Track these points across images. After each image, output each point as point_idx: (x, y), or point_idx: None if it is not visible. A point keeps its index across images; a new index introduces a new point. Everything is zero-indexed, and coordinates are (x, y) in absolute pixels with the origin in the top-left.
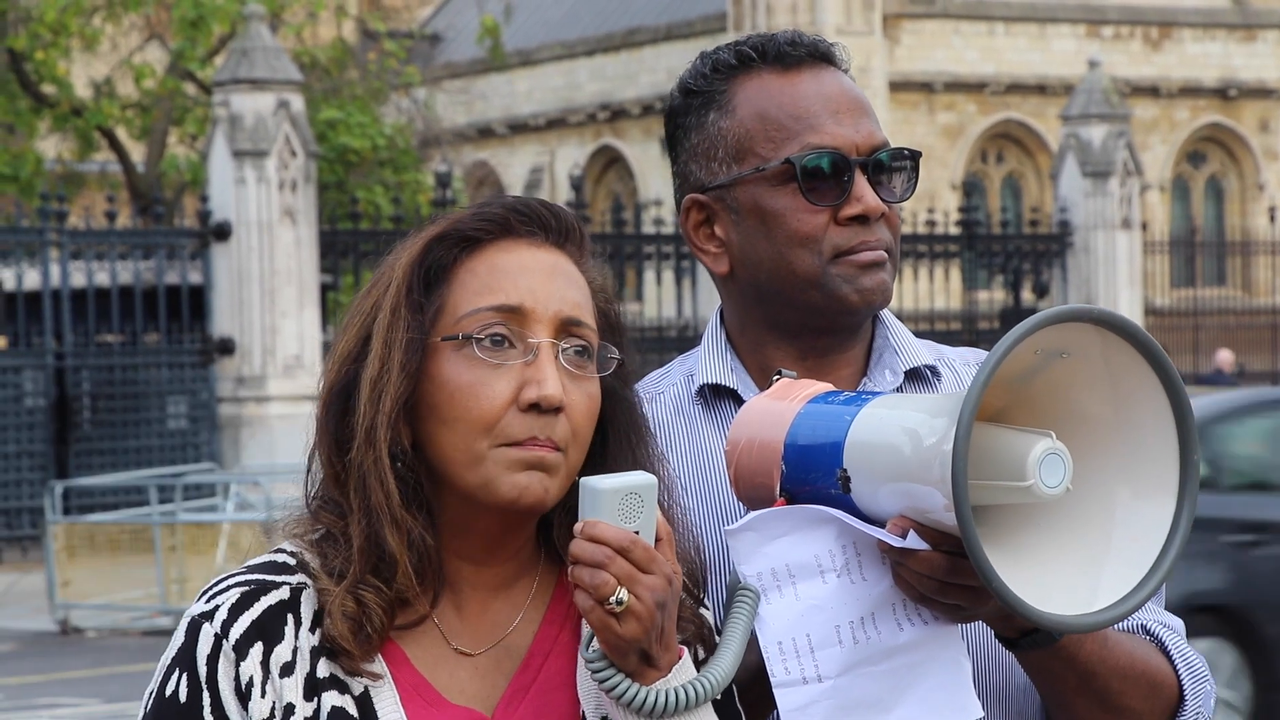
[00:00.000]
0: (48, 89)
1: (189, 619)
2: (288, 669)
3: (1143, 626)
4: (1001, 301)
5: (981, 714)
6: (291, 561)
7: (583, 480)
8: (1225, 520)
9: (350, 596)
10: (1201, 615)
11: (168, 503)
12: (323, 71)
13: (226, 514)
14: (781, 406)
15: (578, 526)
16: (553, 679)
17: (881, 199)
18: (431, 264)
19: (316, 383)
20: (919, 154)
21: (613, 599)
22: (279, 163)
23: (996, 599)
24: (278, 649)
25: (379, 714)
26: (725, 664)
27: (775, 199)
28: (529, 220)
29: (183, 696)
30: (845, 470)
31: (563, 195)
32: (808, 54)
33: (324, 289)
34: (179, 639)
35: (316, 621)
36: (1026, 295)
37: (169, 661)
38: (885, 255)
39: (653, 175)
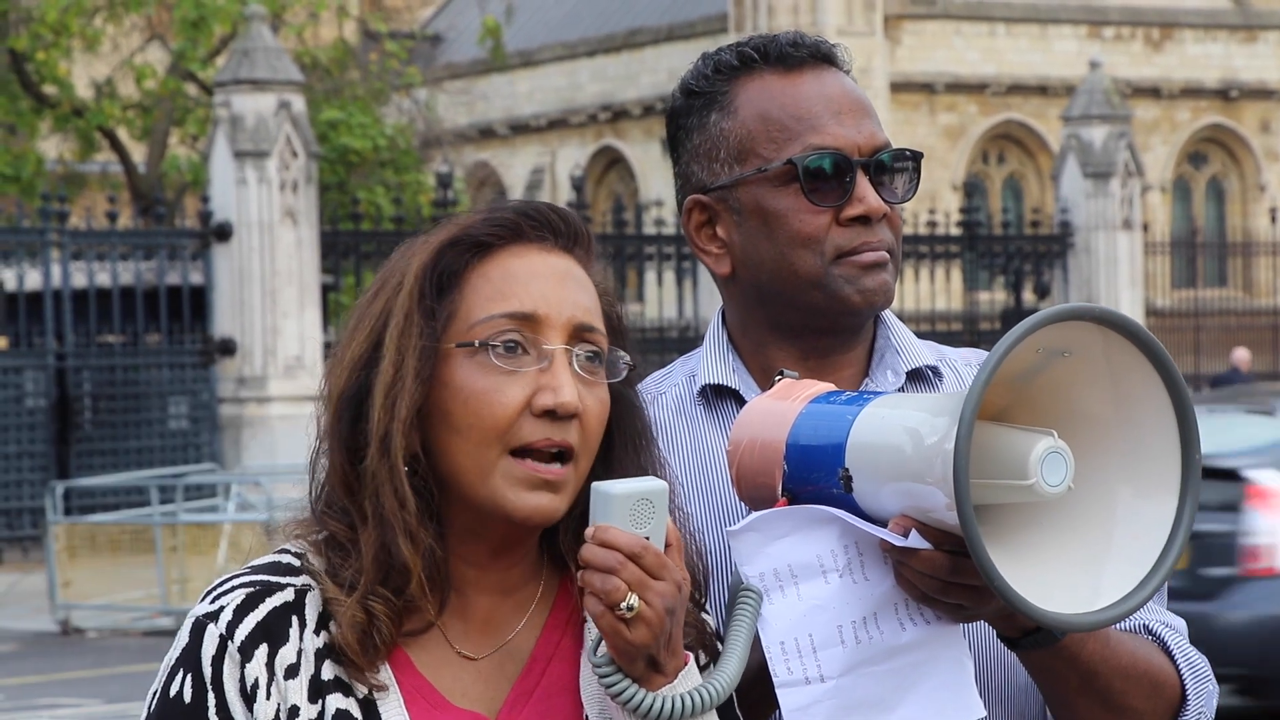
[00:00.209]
0: (49, 89)
1: (193, 619)
2: (292, 671)
3: (1145, 626)
4: (1003, 302)
5: (984, 714)
6: (296, 563)
7: (594, 485)
8: None
9: (359, 607)
10: None
11: (169, 503)
12: (324, 72)
13: (228, 514)
14: (783, 406)
15: (589, 531)
16: (556, 683)
17: (883, 200)
18: (444, 270)
19: (319, 386)
20: (921, 155)
21: (623, 605)
22: (280, 163)
23: (998, 598)
24: (283, 651)
25: (383, 718)
26: (730, 669)
27: (777, 199)
28: (540, 225)
29: (187, 697)
30: (847, 470)
31: (564, 196)
32: (809, 55)
33: (325, 290)
34: (183, 639)
35: (321, 623)
36: (1028, 296)
37: (173, 662)
38: (887, 256)
39: (654, 176)
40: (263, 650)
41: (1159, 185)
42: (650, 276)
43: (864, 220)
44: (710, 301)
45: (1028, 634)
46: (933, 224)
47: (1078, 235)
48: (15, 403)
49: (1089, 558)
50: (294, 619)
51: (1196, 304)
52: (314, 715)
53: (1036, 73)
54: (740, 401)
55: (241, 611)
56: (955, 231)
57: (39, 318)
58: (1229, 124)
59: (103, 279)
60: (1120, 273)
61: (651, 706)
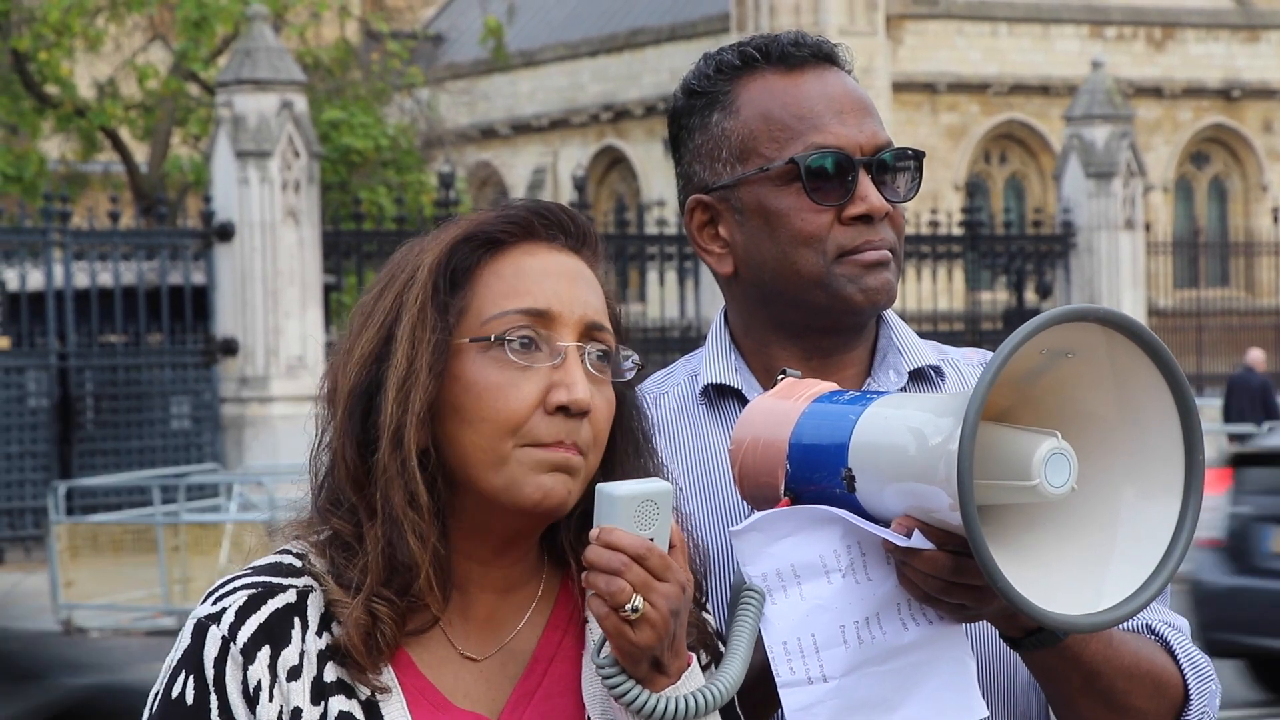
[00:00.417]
0: (51, 89)
1: (195, 621)
2: (295, 673)
3: (1148, 626)
4: (1005, 302)
5: (986, 714)
6: (297, 563)
7: (599, 486)
8: None
9: (364, 609)
10: None
11: (171, 503)
12: (326, 72)
13: (229, 514)
14: (786, 406)
15: (593, 533)
16: (557, 684)
17: (885, 199)
18: (456, 265)
19: (320, 384)
20: (923, 154)
21: (628, 606)
22: (282, 163)
23: (1001, 598)
24: (285, 653)
25: (385, 719)
26: (734, 670)
27: (779, 199)
28: (550, 223)
29: (189, 699)
30: (850, 470)
31: (566, 196)
32: (811, 54)
33: (327, 290)
34: (185, 641)
35: (323, 625)
36: (1030, 296)
37: (175, 663)
38: (889, 255)
39: (656, 176)
40: (265, 652)
41: (1161, 185)
42: (652, 276)
43: (866, 219)
44: (712, 301)
45: (1030, 634)
46: (935, 224)
47: (1080, 235)
48: (17, 402)
49: (1092, 559)
50: (296, 620)
51: (1199, 304)
52: (316, 717)
53: (1039, 72)
54: (743, 401)
55: (244, 613)
56: (957, 231)
57: (41, 318)
58: (1231, 124)
59: (105, 279)
60: (1122, 273)
61: (656, 708)
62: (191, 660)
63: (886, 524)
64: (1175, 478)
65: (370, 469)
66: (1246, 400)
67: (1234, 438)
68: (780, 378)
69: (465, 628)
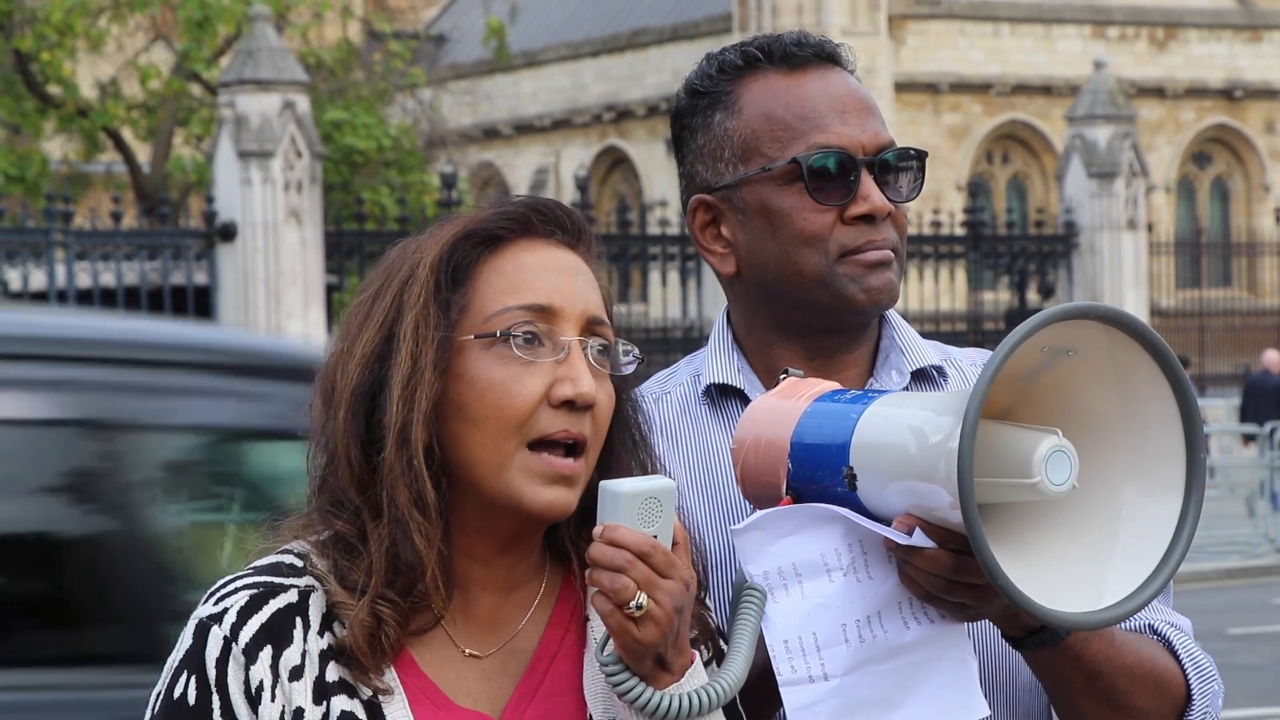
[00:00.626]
0: (53, 90)
1: (197, 621)
2: (297, 673)
3: (1150, 626)
4: (1007, 302)
5: (987, 713)
6: (299, 563)
7: (602, 484)
8: None
9: (368, 610)
10: None
11: None
12: (328, 72)
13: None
14: (788, 405)
15: (597, 530)
16: (559, 682)
17: (888, 198)
18: (456, 262)
19: (317, 385)
20: (925, 154)
21: (632, 604)
22: (284, 163)
23: (1003, 597)
24: (287, 653)
25: (388, 718)
26: (737, 668)
27: (782, 199)
28: (548, 220)
29: (191, 699)
30: (851, 468)
31: (568, 196)
32: (813, 54)
33: (329, 290)
34: (186, 641)
35: (325, 625)
36: (1032, 296)
37: (176, 663)
38: (892, 255)
39: (658, 176)
40: (267, 652)
41: (1163, 185)
42: (654, 276)
43: (868, 219)
44: (715, 301)
45: (1032, 633)
46: (937, 224)
47: (1082, 235)
48: None
49: (1093, 556)
50: (298, 620)
51: (1201, 304)
52: (319, 717)
53: (1041, 73)
54: (745, 400)
55: (245, 613)
56: (959, 232)
57: None
58: (1233, 124)
59: (107, 279)
60: (1125, 273)
61: (659, 705)
62: (193, 660)
63: (888, 522)
64: (1176, 475)
65: (375, 469)
66: (1264, 401)
67: (1248, 438)
68: (782, 377)
69: (467, 627)
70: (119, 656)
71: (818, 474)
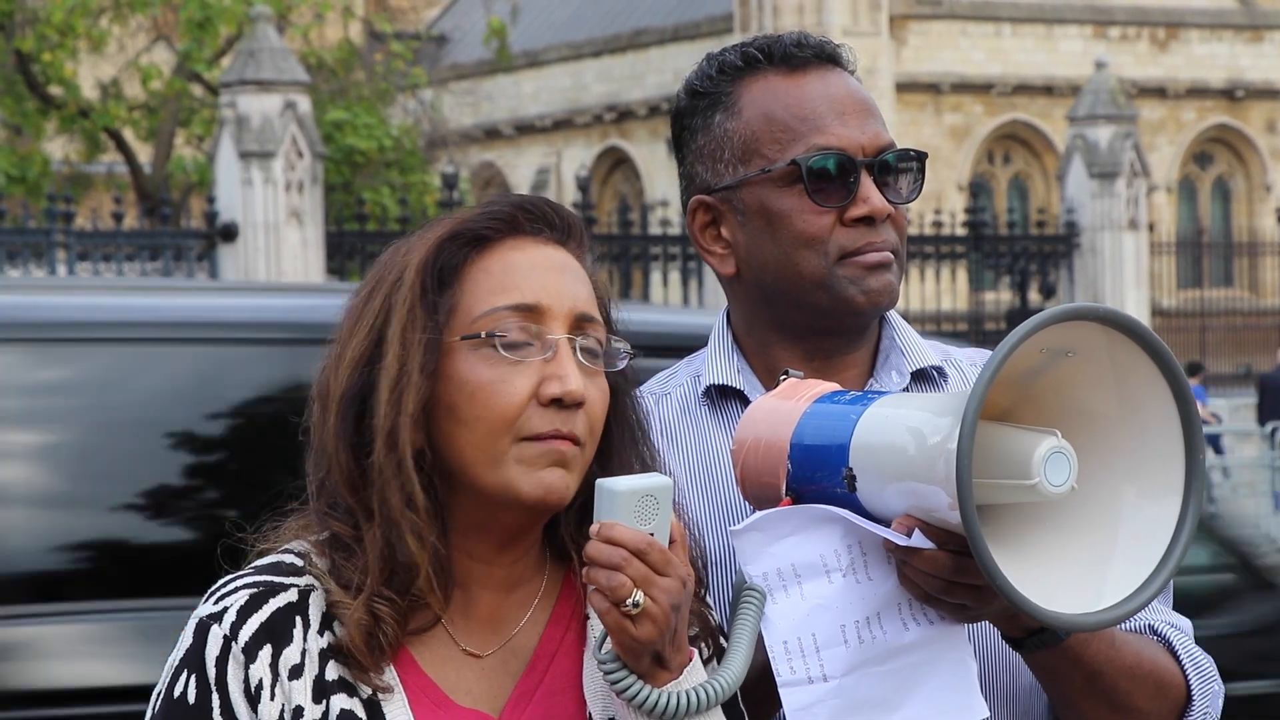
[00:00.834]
0: (55, 90)
1: (197, 620)
2: (296, 671)
3: (1150, 626)
4: (1008, 303)
5: (987, 714)
6: (299, 563)
7: (599, 482)
8: None
9: (365, 609)
10: None
11: None
12: (329, 73)
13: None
14: (788, 406)
15: (594, 528)
16: (559, 680)
17: (888, 200)
18: (443, 264)
19: (313, 387)
20: (925, 155)
21: (629, 601)
22: (286, 164)
23: (1002, 598)
24: (286, 651)
25: (387, 717)
26: (736, 667)
27: (781, 200)
28: (535, 218)
29: (191, 698)
30: (851, 469)
31: (569, 196)
32: (814, 55)
33: None
34: (187, 640)
35: (325, 624)
36: (1033, 296)
37: (177, 662)
38: (891, 256)
39: (659, 176)
40: (266, 651)
41: (1165, 185)
42: (655, 277)
43: (868, 221)
44: (715, 302)
45: (1031, 634)
46: (938, 224)
47: (1083, 235)
48: None
49: (1093, 558)
50: (298, 619)
51: (1202, 304)
52: (318, 715)
53: (1042, 73)
54: (745, 401)
55: (245, 612)
56: (960, 232)
57: None
58: (1235, 124)
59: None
60: (1126, 273)
61: (657, 703)
62: (193, 659)
63: (887, 523)
64: (1176, 477)
65: (365, 471)
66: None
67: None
68: (782, 378)
69: (468, 625)
70: None
71: (817, 475)
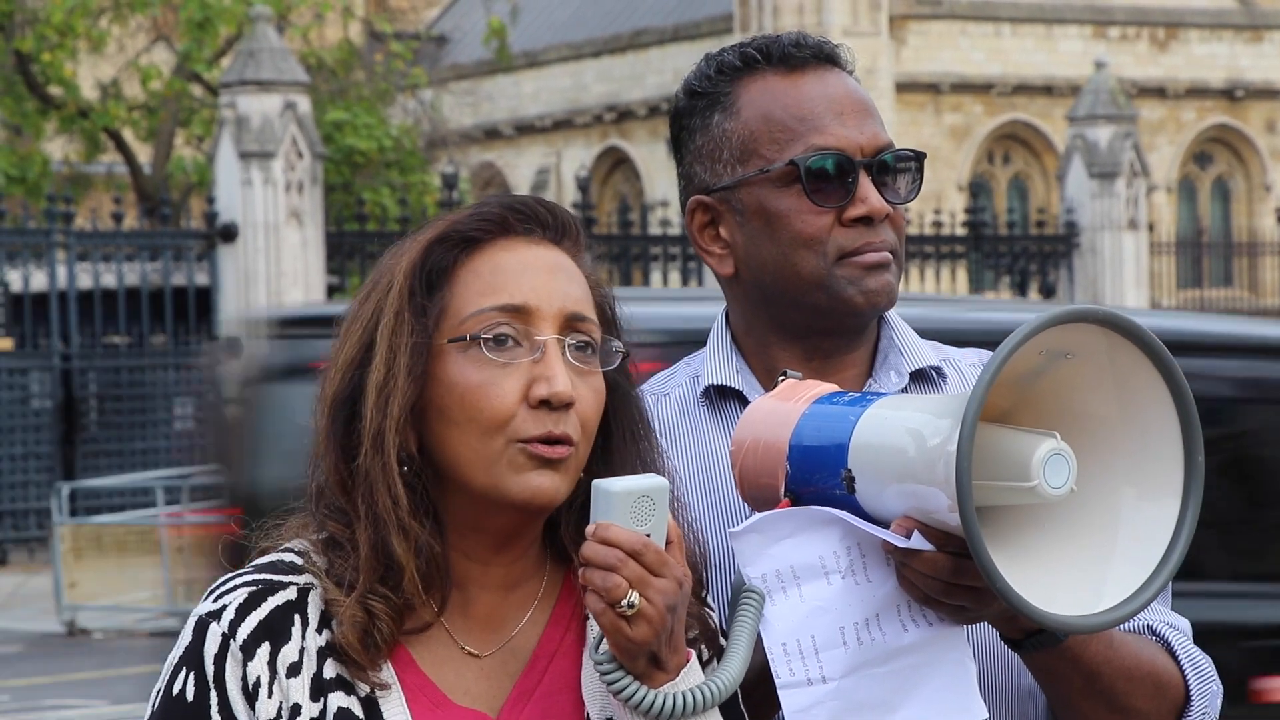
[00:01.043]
0: (54, 90)
1: (196, 618)
2: (294, 669)
3: (1148, 627)
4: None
5: (986, 715)
6: (298, 561)
7: (595, 482)
8: None
9: (359, 606)
10: None
11: (174, 504)
12: (329, 73)
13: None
14: (786, 407)
15: (590, 529)
16: (557, 681)
17: (886, 200)
18: (432, 267)
19: (316, 389)
20: (923, 155)
21: (624, 602)
22: (285, 164)
23: (1001, 600)
24: (285, 649)
25: (385, 716)
26: (733, 668)
27: (780, 200)
28: (526, 218)
29: (190, 695)
30: (850, 471)
31: (569, 196)
32: (812, 55)
33: (330, 291)
34: (186, 638)
35: (323, 622)
36: (1033, 296)
37: (176, 660)
38: (890, 257)
39: (659, 176)
40: (265, 649)
41: (1164, 185)
42: (655, 277)
43: (866, 221)
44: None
45: (1030, 635)
46: (938, 224)
47: (1083, 235)
48: (21, 404)
49: (1092, 559)
50: (296, 617)
51: (1202, 304)
52: (316, 713)
53: (1042, 73)
54: (744, 402)
55: (244, 610)
56: (960, 232)
57: (44, 319)
58: (1235, 124)
59: (108, 280)
60: (1126, 273)
61: (654, 704)
62: (192, 657)
63: (886, 525)
64: (1175, 478)
65: (355, 473)
66: None
67: None
68: (781, 379)
69: (467, 625)
70: None
71: (816, 476)
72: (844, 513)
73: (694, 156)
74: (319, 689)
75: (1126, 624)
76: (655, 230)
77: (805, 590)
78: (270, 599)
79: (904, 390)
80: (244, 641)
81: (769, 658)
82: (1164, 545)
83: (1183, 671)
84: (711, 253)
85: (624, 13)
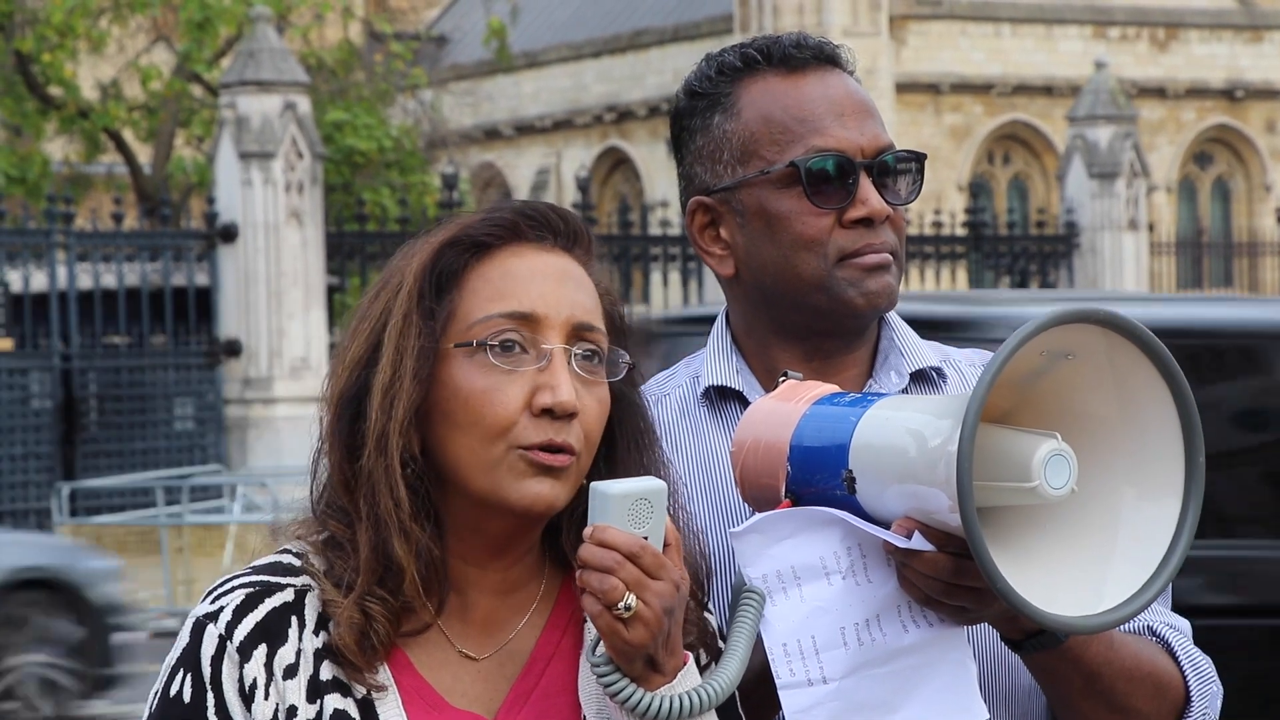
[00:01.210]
0: (55, 91)
1: (193, 619)
2: (291, 671)
3: (1149, 627)
4: None
5: (987, 716)
6: (296, 563)
7: (592, 485)
8: None
9: (357, 608)
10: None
11: (174, 504)
12: (329, 73)
13: (233, 515)
14: (787, 408)
15: (587, 531)
16: (554, 684)
17: (886, 201)
18: (442, 270)
19: (322, 388)
20: (924, 156)
21: (621, 604)
22: (285, 164)
23: (1002, 600)
24: (281, 651)
25: (381, 718)
26: (731, 670)
27: (780, 202)
28: (538, 224)
29: (187, 697)
30: (850, 472)
31: (569, 197)
32: (813, 56)
33: (330, 291)
34: (183, 639)
35: (320, 624)
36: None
37: (174, 662)
38: (890, 258)
39: (659, 177)
40: (261, 650)
41: (1164, 185)
42: (655, 277)
43: (867, 222)
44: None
45: (1031, 636)
46: (938, 224)
47: (1083, 235)
48: (21, 404)
49: (1092, 560)
50: (293, 619)
51: None
52: (312, 715)
53: (1042, 73)
54: (744, 403)
55: (241, 612)
56: (961, 232)
57: (44, 319)
58: (1235, 124)
59: (108, 280)
60: (1126, 273)
61: (650, 706)
62: (189, 658)
63: (887, 526)
64: (1175, 479)
65: (358, 473)
66: None
67: None
68: (781, 380)
69: (464, 629)
70: None
71: (817, 477)
72: (845, 513)
73: (694, 157)
74: (315, 691)
75: (1127, 624)
76: (655, 230)
77: (806, 591)
78: (267, 601)
79: (904, 391)
80: (241, 643)
81: (769, 658)
82: (1165, 546)
83: (1183, 672)
84: (712, 253)
85: (624, 13)
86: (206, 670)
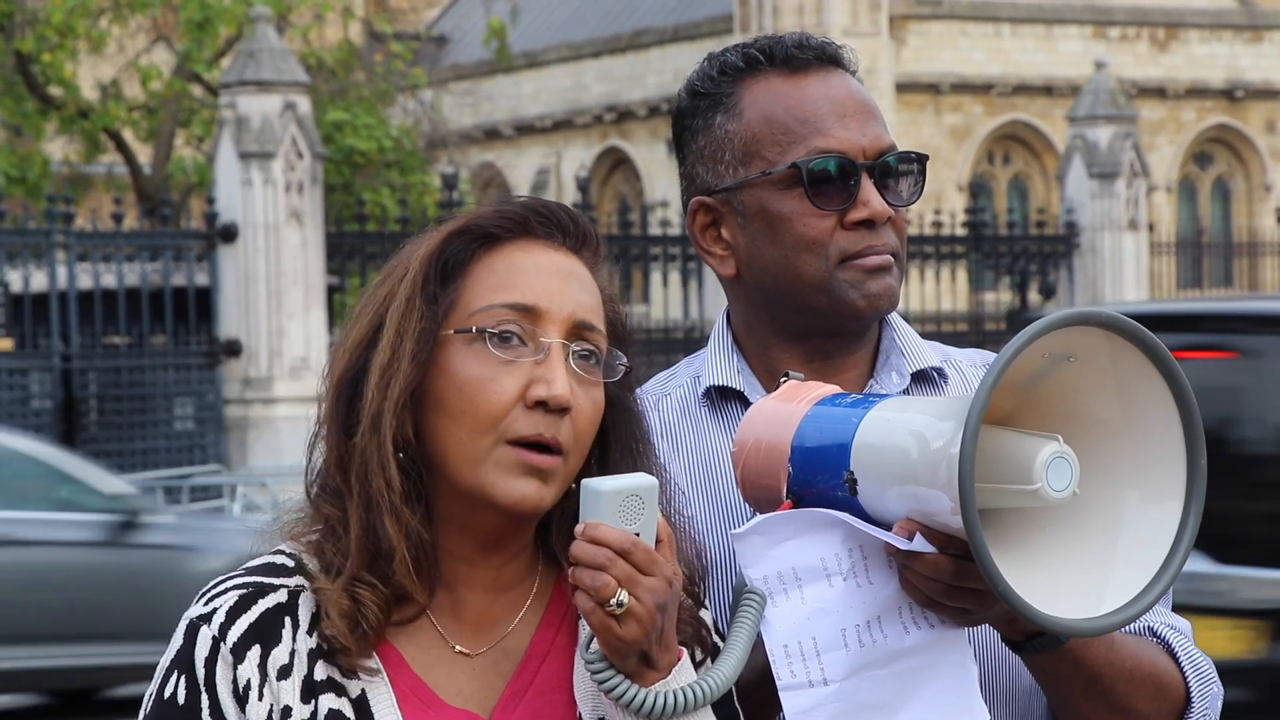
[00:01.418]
0: (54, 91)
1: (187, 621)
2: (285, 671)
3: (1149, 628)
4: (1008, 303)
5: (988, 717)
6: (290, 564)
7: (584, 482)
8: None
9: (346, 593)
10: None
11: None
12: (329, 73)
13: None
14: (788, 409)
15: (579, 528)
16: (549, 681)
17: (888, 202)
18: (449, 258)
19: (322, 373)
20: (926, 157)
21: (613, 601)
22: (285, 164)
23: (1003, 602)
24: (275, 652)
25: (375, 716)
26: (728, 668)
27: (781, 202)
28: (548, 222)
29: (181, 698)
30: (852, 473)
31: (569, 197)
32: (815, 57)
33: (330, 291)
34: (177, 641)
35: (314, 624)
36: (1033, 296)
37: (168, 663)
38: (892, 259)
39: (659, 177)
40: (255, 651)
41: (1165, 186)
42: (656, 277)
43: (868, 224)
44: (716, 303)
45: (1032, 638)
46: (938, 224)
47: (1083, 236)
48: (21, 404)
49: (1094, 562)
50: (287, 620)
51: None
52: (306, 715)
53: (1042, 73)
54: (745, 403)
55: (234, 613)
56: (961, 232)
57: (44, 319)
58: (1234, 124)
59: (108, 280)
60: (1126, 273)
61: (644, 702)
62: (183, 660)
63: (888, 527)
64: (1177, 481)
65: (351, 450)
66: None
67: None
68: (783, 380)
69: (458, 626)
70: None
71: (818, 478)
72: (846, 515)
73: (696, 157)
74: (310, 691)
75: (1127, 626)
76: (655, 230)
77: (807, 592)
78: (260, 601)
79: (905, 391)
80: (234, 644)
81: (770, 659)
82: (1166, 548)
83: (1183, 673)
84: (713, 254)
85: (624, 13)
86: (200, 672)
